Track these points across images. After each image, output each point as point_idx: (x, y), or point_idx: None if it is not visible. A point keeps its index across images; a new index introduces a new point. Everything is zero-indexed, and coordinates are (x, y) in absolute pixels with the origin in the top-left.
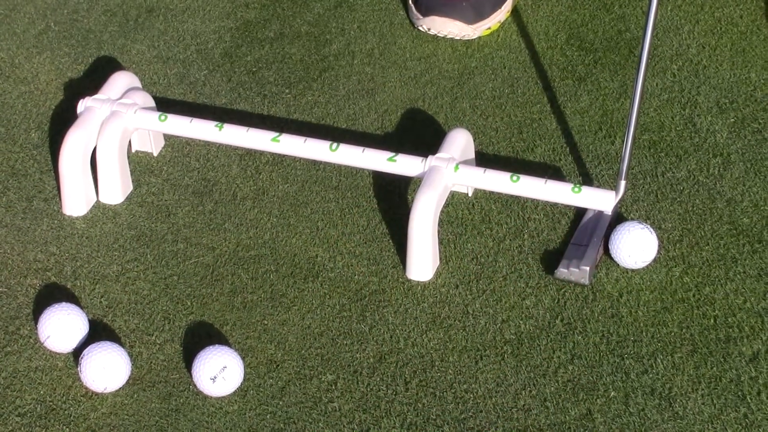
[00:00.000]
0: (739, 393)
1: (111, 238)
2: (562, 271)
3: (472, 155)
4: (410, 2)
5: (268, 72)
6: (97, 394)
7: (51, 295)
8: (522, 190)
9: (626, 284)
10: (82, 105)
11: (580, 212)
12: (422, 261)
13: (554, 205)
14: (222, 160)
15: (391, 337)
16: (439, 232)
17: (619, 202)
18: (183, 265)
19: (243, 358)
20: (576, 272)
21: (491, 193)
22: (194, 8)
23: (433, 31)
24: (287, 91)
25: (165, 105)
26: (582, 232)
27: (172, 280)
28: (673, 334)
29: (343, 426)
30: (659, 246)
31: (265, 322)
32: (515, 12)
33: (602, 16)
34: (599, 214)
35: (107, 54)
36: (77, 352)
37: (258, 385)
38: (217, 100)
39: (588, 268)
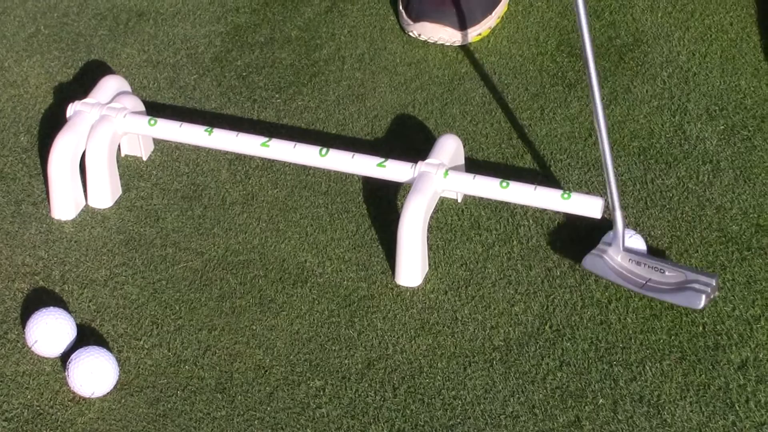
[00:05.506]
0: (728, 401)
1: (99, 242)
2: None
3: (462, 161)
4: (401, 8)
5: (258, 77)
6: (84, 398)
7: (39, 299)
8: (511, 196)
9: (615, 291)
10: (71, 109)
11: (574, 220)
12: (411, 267)
13: (544, 211)
14: (211, 165)
15: (379, 343)
16: (428, 238)
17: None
18: (171, 269)
19: (231, 363)
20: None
21: (481, 199)
22: (184, 12)
23: (423, 37)
24: (277, 95)
25: (155, 109)
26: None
27: (160, 285)
28: (661, 341)
29: None
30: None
31: (254, 327)
32: (506, 18)
33: (592, 23)
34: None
35: (97, 58)
36: (65, 357)
37: (246, 390)
38: (207, 104)
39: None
